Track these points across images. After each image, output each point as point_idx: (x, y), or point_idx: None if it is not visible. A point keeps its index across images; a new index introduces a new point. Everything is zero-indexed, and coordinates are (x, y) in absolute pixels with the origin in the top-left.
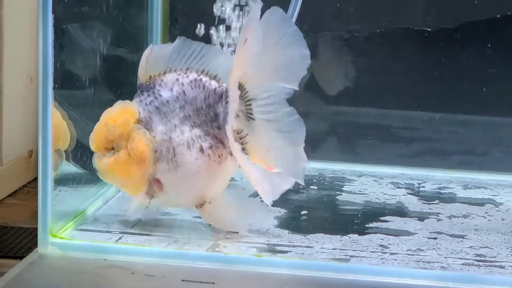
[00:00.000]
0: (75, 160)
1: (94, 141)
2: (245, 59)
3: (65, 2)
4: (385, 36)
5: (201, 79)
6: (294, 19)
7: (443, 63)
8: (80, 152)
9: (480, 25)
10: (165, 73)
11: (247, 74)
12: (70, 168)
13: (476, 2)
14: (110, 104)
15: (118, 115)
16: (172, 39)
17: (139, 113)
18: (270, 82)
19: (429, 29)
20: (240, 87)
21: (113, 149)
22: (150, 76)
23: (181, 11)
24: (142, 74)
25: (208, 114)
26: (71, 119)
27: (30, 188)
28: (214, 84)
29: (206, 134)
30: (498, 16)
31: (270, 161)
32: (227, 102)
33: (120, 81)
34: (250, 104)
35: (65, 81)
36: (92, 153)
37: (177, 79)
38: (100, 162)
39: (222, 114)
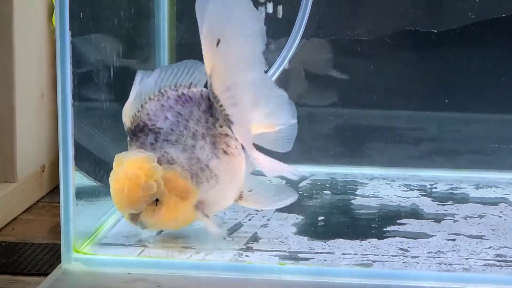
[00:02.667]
0: (91, 174)
1: (135, 203)
2: (229, 66)
3: (80, 18)
4: (391, 39)
5: (182, 93)
6: (304, 24)
7: (449, 63)
8: (96, 166)
9: (486, 25)
10: (142, 106)
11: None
12: (84, 181)
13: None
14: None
15: (142, 168)
16: (178, 47)
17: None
18: (237, 73)
19: (435, 31)
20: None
21: (156, 200)
22: (132, 117)
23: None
24: (128, 118)
25: (208, 119)
26: (86, 134)
27: (44, 203)
28: (196, 90)
29: (216, 137)
30: (504, 15)
31: (266, 120)
32: (221, 106)
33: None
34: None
35: (77, 95)
36: (109, 166)
37: (162, 105)
38: (153, 218)
39: (219, 114)
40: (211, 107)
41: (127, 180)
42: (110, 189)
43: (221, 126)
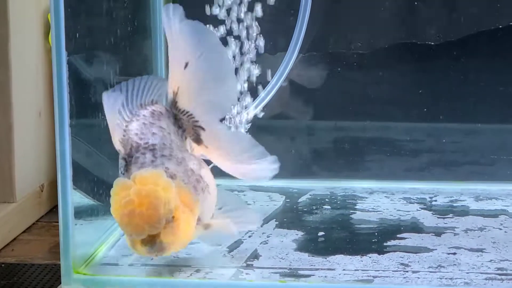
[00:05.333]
0: (90, 193)
1: (157, 222)
2: (197, 85)
3: (76, 37)
4: (388, 52)
5: (153, 110)
6: (301, 39)
7: (446, 74)
8: (95, 185)
9: (483, 36)
10: (124, 130)
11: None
12: (83, 201)
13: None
14: None
15: (157, 183)
16: None
17: None
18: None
19: (432, 43)
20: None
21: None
22: (121, 142)
23: None
24: (119, 144)
25: (178, 131)
26: (84, 153)
27: (43, 222)
28: (159, 107)
29: (190, 148)
30: (500, 26)
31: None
32: (189, 116)
33: None
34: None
35: (74, 113)
36: (107, 185)
37: (144, 123)
38: (173, 235)
39: (187, 124)
40: (177, 120)
41: (146, 199)
42: (120, 215)
43: (185, 138)
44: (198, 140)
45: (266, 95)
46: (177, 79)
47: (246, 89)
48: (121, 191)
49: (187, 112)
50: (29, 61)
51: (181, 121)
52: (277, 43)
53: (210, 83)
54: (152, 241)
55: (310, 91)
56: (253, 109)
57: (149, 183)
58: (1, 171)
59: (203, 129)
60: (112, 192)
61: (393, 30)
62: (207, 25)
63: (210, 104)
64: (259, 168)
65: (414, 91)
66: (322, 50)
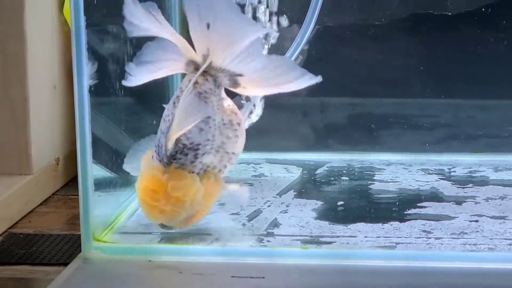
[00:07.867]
0: (107, 165)
1: (172, 223)
2: (227, 39)
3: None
4: (404, 23)
5: (198, 93)
6: (317, 11)
7: (462, 47)
8: (113, 157)
9: (501, 7)
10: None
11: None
12: (100, 172)
13: None
14: (140, 109)
15: (187, 194)
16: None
17: None
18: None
19: (449, 14)
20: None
21: None
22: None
23: None
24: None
25: (216, 90)
26: (102, 126)
27: (59, 196)
28: (200, 79)
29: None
30: None
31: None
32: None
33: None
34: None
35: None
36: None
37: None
38: (187, 224)
39: (223, 79)
40: (216, 80)
41: (171, 206)
42: (142, 202)
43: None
44: (235, 85)
45: None
46: (203, 42)
47: None
48: (152, 183)
49: (224, 69)
50: (44, 35)
51: (218, 79)
52: (293, 15)
53: (236, 33)
54: (165, 227)
55: (326, 65)
56: None
57: (178, 192)
58: (18, 143)
59: (241, 75)
60: (142, 174)
61: (408, 0)
62: None
63: (244, 50)
64: (296, 84)
65: (429, 64)
66: (337, 22)
